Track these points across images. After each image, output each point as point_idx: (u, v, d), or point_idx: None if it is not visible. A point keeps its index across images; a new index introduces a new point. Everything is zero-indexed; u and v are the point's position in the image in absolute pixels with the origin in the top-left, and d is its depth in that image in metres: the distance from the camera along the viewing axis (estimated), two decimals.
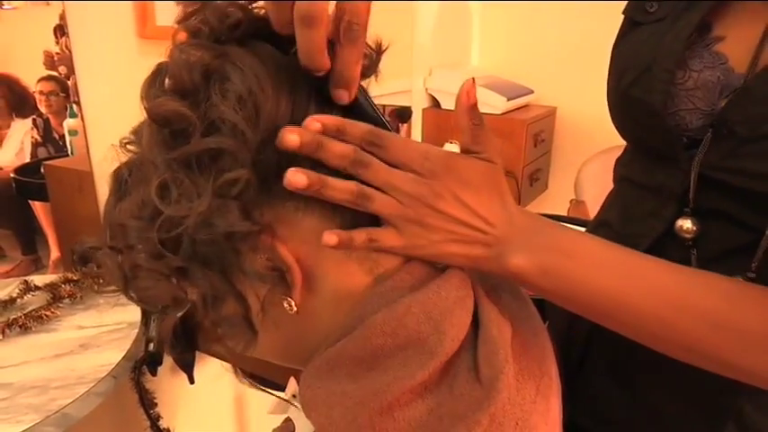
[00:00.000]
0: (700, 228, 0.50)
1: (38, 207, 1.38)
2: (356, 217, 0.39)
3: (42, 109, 1.36)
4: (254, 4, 0.40)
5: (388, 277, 0.40)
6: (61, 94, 1.37)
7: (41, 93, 1.35)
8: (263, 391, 0.52)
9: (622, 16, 0.58)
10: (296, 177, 0.37)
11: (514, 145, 1.96)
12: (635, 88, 0.52)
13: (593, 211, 1.65)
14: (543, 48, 2.20)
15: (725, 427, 0.50)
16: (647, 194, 0.55)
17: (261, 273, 0.39)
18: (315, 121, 0.37)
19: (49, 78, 1.35)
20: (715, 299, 0.40)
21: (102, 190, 1.20)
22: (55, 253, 1.37)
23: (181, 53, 0.38)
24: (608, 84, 0.56)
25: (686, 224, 0.50)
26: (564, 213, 1.89)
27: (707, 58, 0.49)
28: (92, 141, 1.17)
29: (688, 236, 0.50)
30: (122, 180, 0.40)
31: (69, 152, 1.40)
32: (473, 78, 0.42)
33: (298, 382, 0.50)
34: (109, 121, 1.19)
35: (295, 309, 0.40)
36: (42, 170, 1.41)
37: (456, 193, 0.39)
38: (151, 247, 0.38)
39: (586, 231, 0.64)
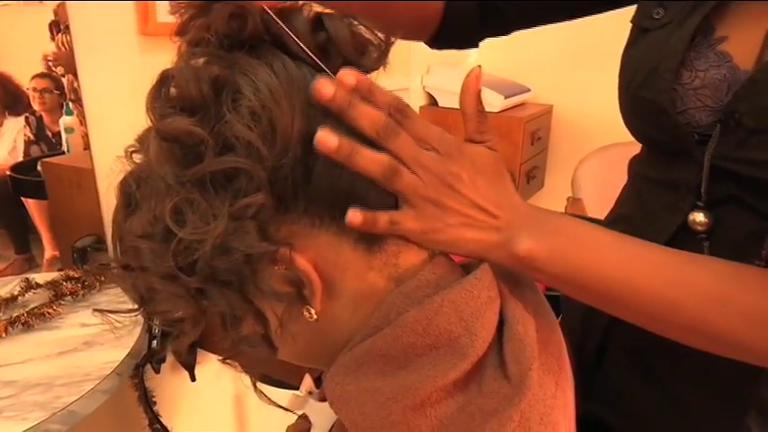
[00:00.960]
0: (712, 221, 0.51)
1: (32, 205, 1.37)
2: (371, 235, 0.39)
3: (36, 106, 1.34)
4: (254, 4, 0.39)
5: (411, 277, 0.40)
6: (55, 92, 1.35)
7: (35, 90, 1.33)
8: (277, 406, 0.52)
9: (630, 24, 0.59)
10: (327, 138, 0.36)
11: (511, 143, 1.97)
12: (644, 90, 0.54)
13: (589, 208, 1.66)
14: (540, 46, 2.21)
15: (747, 415, 0.51)
16: (663, 190, 0.56)
17: (278, 291, 0.39)
18: (350, 74, 0.36)
19: (43, 75, 1.33)
20: (717, 277, 0.42)
21: (104, 187, 1.20)
22: (49, 252, 1.36)
23: (187, 63, 0.37)
24: (619, 88, 0.57)
25: (699, 217, 0.51)
26: (561, 211, 1.90)
27: (712, 57, 0.51)
28: (93, 139, 1.16)
29: (701, 228, 0.51)
30: (130, 192, 0.39)
31: (66, 149, 1.39)
32: (479, 66, 0.43)
33: (313, 380, 0.51)
34: (110, 119, 1.18)
35: (315, 317, 0.40)
36: (39, 168, 1.40)
37: (472, 177, 0.39)
38: (166, 269, 0.37)
39: (611, 224, 0.65)
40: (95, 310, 0.47)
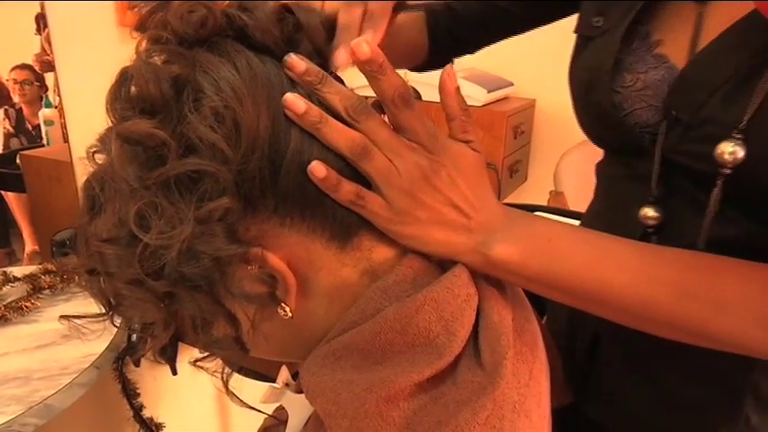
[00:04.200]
0: (663, 215, 0.52)
1: (12, 199, 1.36)
2: (345, 231, 0.39)
3: (16, 98, 1.33)
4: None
5: (386, 271, 0.40)
6: (35, 83, 1.34)
7: (15, 81, 1.32)
8: (249, 407, 0.53)
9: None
10: (295, 102, 0.36)
11: (495, 137, 1.98)
12: (590, 95, 0.55)
13: (571, 201, 1.68)
14: (523, 41, 2.21)
15: (744, 402, 0.52)
16: (623, 185, 0.58)
17: (250, 292, 0.38)
18: (365, 44, 0.37)
19: (23, 67, 1.32)
20: (684, 269, 0.43)
21: (83, 181, 1.19)
22: (30, 246, 1.35)
23: (145, 62, 0.36)
24: (571, 97, 0.59)
25: (649, 212, 0.52)
26: (543, 203, 1.92)
27: (650, 60, 0.52)
28: (71, 131, 1.15)
29: (651, 222, 0.52)
30: (94, 195, 0.38)
31: (45, 142, 1.37)
32: (451, 64, 0.44)
33: (290, 372, 0.51)
34: (89, 112, 1.17)
35: (290, 314, 0.40)
36: (18, 161, 1.38)
37: (451, 174, 0.39)
38: (132, 274, 0.36)
39: (582, 221, 0.66)
40: (62, 317, 0.46)
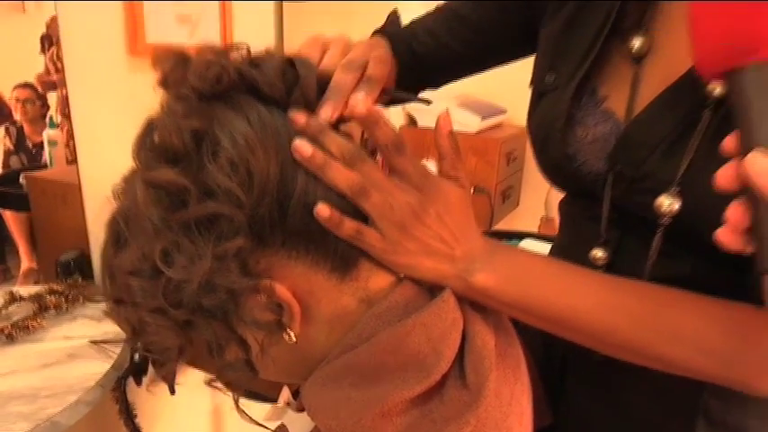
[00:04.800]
0: (610, 256, 0.57)
1: (9, 217, 1.38)
2: (345, 264, 0.44)
3: (17, 116, 1.37)
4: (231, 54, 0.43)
5: (381, 299, 0.44)
6: (37, 102, 1.38)
7: (17, 100, 1.37)
8: (257, 423, 0.56)
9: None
10: (303, 146, 0.41)
11: (488, 163, 2.03)
12: (546, 148, 0.60)
13: None
14: (515, 69, 2.28)
15: (696, 423, 0.55)
16: (579, 225, 0.63)
17: (260, 319, 0.42)
18: (365, 102, 0.42)
19: (25, 86, 1.37)
20: (642, 300, 0.48)
21: (90, 203, 1.23)
22: (26, 263, 1.37)
23: (168, 116, 0.40)
24: (531, 147, 0.64)
25: (599, 253, 0.57)
26: (535, 230, 1.96)
27: (598, 115, 0.57)
28: (81, 154, 1.19)
29: (599, 263, 0.57)
30: (119, 230, 0.42)
31: (48, 163, 1.40)
32: (447, 109, 0.49)
33: (291, 392, 0.54)
34: (98, 136, 1.21)
35: (295, 339, 0.44)
36: (22, 180, 1.41)
37: (439, 211, 0.45)
38: (156, 304, 0.40)
39: (550, 253, 0.70)
40: (92, 342, 0.50)
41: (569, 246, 0.65)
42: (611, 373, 0.57)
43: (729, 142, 0.35)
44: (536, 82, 0.64)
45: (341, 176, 0.42)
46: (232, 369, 0.44)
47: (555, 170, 0.61)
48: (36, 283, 1.27)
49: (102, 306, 0.46)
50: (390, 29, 0.72)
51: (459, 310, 0.44)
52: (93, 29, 1.16)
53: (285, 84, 0.43)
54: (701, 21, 0.36)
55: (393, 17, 0.75)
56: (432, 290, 0.46)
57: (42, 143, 1.39)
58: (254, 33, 1.58)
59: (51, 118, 1.42)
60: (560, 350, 0.62)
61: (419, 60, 0.73)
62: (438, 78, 0.79)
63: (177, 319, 0.40)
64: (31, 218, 1.37)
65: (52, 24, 1.32)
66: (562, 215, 0.68)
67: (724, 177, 0.34)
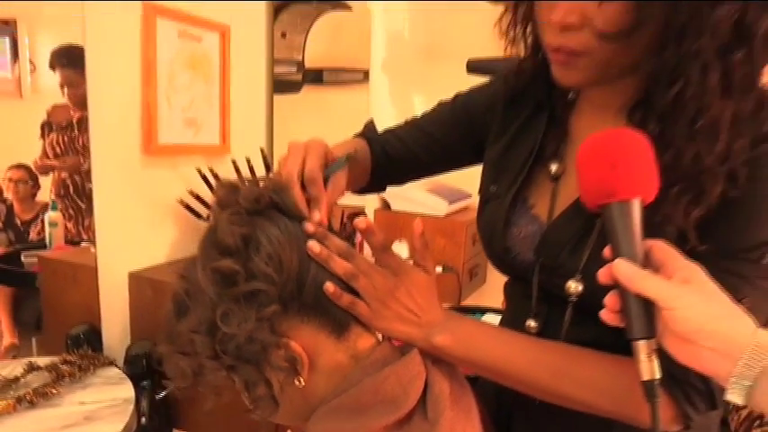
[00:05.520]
0: (540, 326, 0.73)
1: None
2: (341, 328, 0.61)
3: (9, 195, 1.41)
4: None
5: (366, 356, 0.62)
6: (29, 182, 1.45)
7: (10, 180, 1.41)
8: None
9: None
10: (315, 246, 0.60)
11: (455, 243, 2.23)
12: (491, 243, 0.78)
13: None
14: None
15: None
16: (516, 302, 0.81)
17: (280, 366, 0.59)
18: (365, 220, 0.62)
19: (19, 167, 1.43)
20: (560, 357, 0.65)
21: (105, 285, 1.37)
22: (7, 339, 1.40)
23: (227, 223, 0.58)
24: (481, 243, 0.82)
25: (531, 323, 0.74)
26: (500, 305, 2.13)
27: (528, 218, 0.75)
28: (99, 241, 1.33)
29: (532, 331, 0.74)
30: (182, 301, 0.59)
31: (48, 243, 1.49)
32: (420, 219, 0.68)
33: None
34: (115, 223, 1.36)
35: (303, 384, 0.61)
36: (23, 259, 1.51)
37: (410, 290, 0.63)
38: (211, 352, 0.57)
39: (500, 322, 0.88)
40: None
41: (511, 318, 0.83)
42: (547, 416, 0.73)
43: (607, 251, 0.52)
44: (483, 191, 0.83)
45: (340, 266, 0.61)
46: (261, 401, 0.61)
47: (498, 259, 0.80)
48: (15, 357, 1.32)
49: (110, 374, 0.62)
50: (368, 134, 0.92)
51: (423, 364, 0.62)
52: (116, 129, 1.32)
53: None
54: (582, 169, 0.53)
55: (370, 125, 0.95)
56: (403, 350, 0.64)
57: (30, 221, 1.45)
58: (249, 132, 1.79)
59: (54, 201, 1.55)
60: (508, 399, 0.78)
61: (390, 161, 0.92)
62: (404, 177, 0.98)
63: (225, 364, 0.57)
64: (19, 294, 1.41)
65: (53, 112, 1.41)
66: (506, 295, 0.87)
67: (602, 275, 0.51)
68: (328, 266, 0.61)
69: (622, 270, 0.49)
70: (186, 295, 0.59)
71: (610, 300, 0.51)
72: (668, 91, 0.56)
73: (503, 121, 0.82)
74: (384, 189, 0.99)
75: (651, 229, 0.53)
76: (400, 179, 0.98)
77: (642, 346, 0.49)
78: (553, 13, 0.59)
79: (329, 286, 0.60)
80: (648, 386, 0.49)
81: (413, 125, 0.95)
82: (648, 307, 0.48)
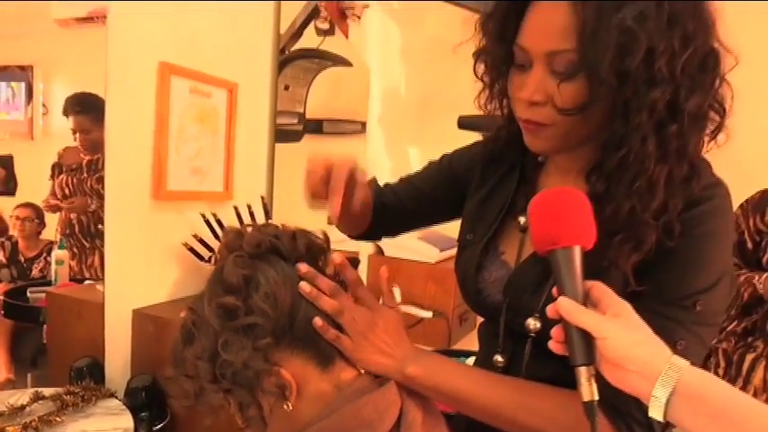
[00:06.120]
0: (507, 361, 0.81)
1: None
2: (326, 360, 0.69)
3: (15, 232, 1.49)
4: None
5: (347, 386, 0.70)
6: (35, 221, 1.53)
7: (17, 218, 1.50)
8: None
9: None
10: (305, 286, 0.68)
11: (445, 290, 2.30)
12: (465, 286, 0.87)
13: None
14: None
15: None
16: (491, 340, 0.88)
17: (271, 391, 0.67)
18: (340, 256, 0.70)
19: (26, 205, 1.52)
20: (518, 391, 0.72)
21: (111, 319, 1.44)
22: (3, 374, 1.46)
23: (232, 265, 0.67)
24: (458, 286, 0.91)
25: (498, 358, 0.82)
26: None
27: (498, 264, 0.84)
28: (108, 280, 1.41)
29: (499, 366, 0.81)
30: (190, 330, 0.68)
31: (53, 279, 1.55)
32: (386, 266, 0.78)
33: None
34: (125, 265, 1.45)
35: (291, 408, 0.68)
36: (28, 294, 1.57)
37: (385, 326, 0.72)
38: (211, 377, 0.65)
39: (474, 363, 0.95)
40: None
41: (482, 355, 0.91)
42: None
43: (555, 290, 0.61)
44: (461, 238, 0.92)
45: (327, 304, 0.70)
46: (252, 421, 0.69)
47: (471, 300, 0.89)
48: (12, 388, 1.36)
49: (111, 405, 0.71)
50: (371, 186, 1.02)
51: (399, 394, 0.70)
52: (128, 175, 1.42)
53: (294, 248, 0.72)
54: (532, 221, 0.63)
55: (373, 181, 1.06)
56: (381, 382, 0.72)
57: (33, 258, 1.52)
58: (252, 179, 1.90)
59: (62, 240, 1.63)
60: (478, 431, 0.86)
61: (386, 210, 1.02)
62: (397, 227, 1.08)
63: (223, 387, 0.66)
64: (19, 330, 1.47)
65: (65, 154, 1.52)
66: (479, 335, 0.95)
67: (550, 311, 0.60)
68: (317, 304, 0.69)
69: (564, 306, 0.58)
70: (193, 325, 0.68)
71: (555, 332, 0.60)
72: (614, 156, 0.66)
73: (481, 179, 0.92)
74: (380, 238, 1.10)
75: (599, 273, 0.62)
76: (394, 229, 1.09)
77: (583, 372, 0.57)
78: (522, 92, 0.70)
79: (318, 320, 0.68)
80: (588, 406, 0.57)
81: (406, 181, 1.06)
82: (587, 338, 0.57)
